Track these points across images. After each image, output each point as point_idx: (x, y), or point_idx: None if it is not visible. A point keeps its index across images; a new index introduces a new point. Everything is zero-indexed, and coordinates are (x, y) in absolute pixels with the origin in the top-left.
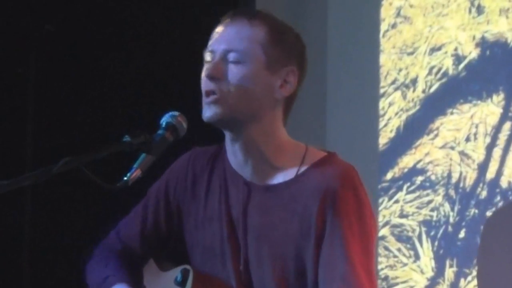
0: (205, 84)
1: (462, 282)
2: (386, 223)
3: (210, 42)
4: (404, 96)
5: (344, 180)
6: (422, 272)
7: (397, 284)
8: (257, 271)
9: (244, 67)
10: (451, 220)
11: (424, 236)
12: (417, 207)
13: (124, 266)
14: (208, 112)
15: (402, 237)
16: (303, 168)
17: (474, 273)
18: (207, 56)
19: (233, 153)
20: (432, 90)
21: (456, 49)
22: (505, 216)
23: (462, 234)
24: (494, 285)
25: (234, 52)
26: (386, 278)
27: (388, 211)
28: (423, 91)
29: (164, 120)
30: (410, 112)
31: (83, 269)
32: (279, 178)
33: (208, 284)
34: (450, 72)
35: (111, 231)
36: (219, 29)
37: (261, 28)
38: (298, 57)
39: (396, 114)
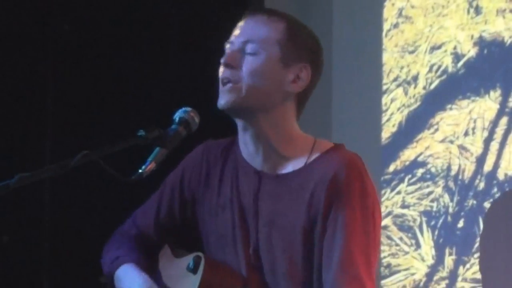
0: (221, 72)
1: (461, 269)
2: (389, 213)
3: (231, 35)
4: (405, 93)
5: (350, 169)
6: (422, 260)
7: (399, 271)
8: (267, 256)
9: (259, 59)
10: (450, 210)
11: (424, 226)
12: (418, 198)
13: (136, 248)
14: (222, 99)
15: (404, 227)
16: (312, 158)
17: (473, 260)
18: (227, 48)
19: (244, 143)
20: (432, 86)
21: (455, 48)
22: (503, 206)
23: (461, 224)
24: (494, 271)
25: (251, 43)
26: (388, 265)
27: (390, 202)
28: (424, 88)
29: (177, 115)
30: (412, 108)
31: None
32: (289, 167)
33: (219, 271)
34: (450, 69)
35: (127, 219)
36: (240, 24)
37: (278, 24)
38: (312, 55)
39: (398, 109)
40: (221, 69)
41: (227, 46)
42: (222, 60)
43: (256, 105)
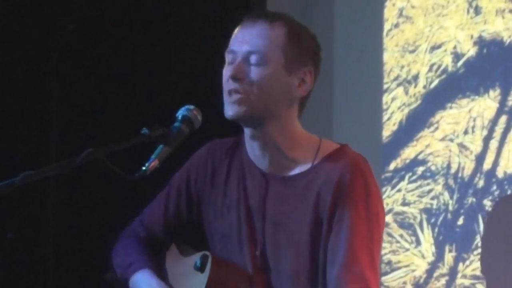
0: (228, 84)
1: (460, 266)
2: (389, 211)
3: (232, 42)
4: (406, 92)
5: (355, 171)
6: (423, 256)
7: (399, 268)
8: (273, 256)
9: (264, 69)
10: (450, 208)
11: (425, 223)
12: (418, 196)
13: (147, 251)
14: (231, 111)
15: (404, 224)
16: (317, 160)
17: (472, 257)
18: (229, 57)
19: (251, 147)
20: (432, 86)
21: (455, 47)
22: (504, 205)
23: (460, 221)
24: (495, 269)
25: (255, 54)
26: (389, 262)
27: (391, 200)
28: (424, 87)
29: (180, 113)
30: (412, 107)
31: (108, 255)
32: (295, 169)
33: (226, 270)
34: (450, 69)
35: (135, 218)
36: (240, 30)
37: (280, 30)
38: (314, 57)
39: (399, 108)
40: (227, 80)
41: (230, 56)
42: (228, 73)
43: (265, 114)
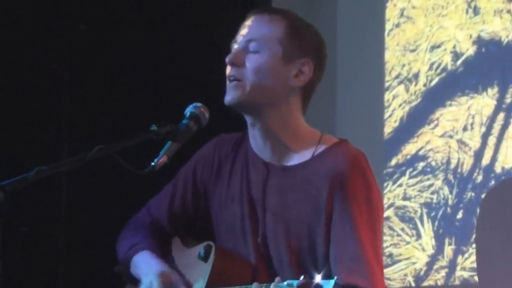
0: (227, 69)
1: (460, 258)
2: (391, 205)
3: (237, 35)
4: (407, 90)
5: (353, 165)
6: (423, 249)
7: (400, 260)
8: (274, 246)
9: (261, 56)
10: (450, 202)
11: (425, 217)
12: (419, 191)
13: (151, 236)
14: (229, 96)
15: (405, 218)
16: (317, 152)
17: (471, 250)
18: (232, 47)
19: (253, 136)
20: (432, 84)
21: (454, 47)
22: (498, 196)
23: (460, 215)
24: (491, 264)
25: (253, 42)
26: (390, 255)
27: (392, 194)
28: (424, 85)
29: (188, 110)
30: (413, 104)
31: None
32: (295, 159)
33: (229, 259)
34: (449, 67)
35: (141, 208)
36: (245, 23)
37: (280, 23)
38: (314, 51)
39: (400, 105)
40: (227, 68)
41: (233, 46)
42: (227, 59)
43: (261, 101)
